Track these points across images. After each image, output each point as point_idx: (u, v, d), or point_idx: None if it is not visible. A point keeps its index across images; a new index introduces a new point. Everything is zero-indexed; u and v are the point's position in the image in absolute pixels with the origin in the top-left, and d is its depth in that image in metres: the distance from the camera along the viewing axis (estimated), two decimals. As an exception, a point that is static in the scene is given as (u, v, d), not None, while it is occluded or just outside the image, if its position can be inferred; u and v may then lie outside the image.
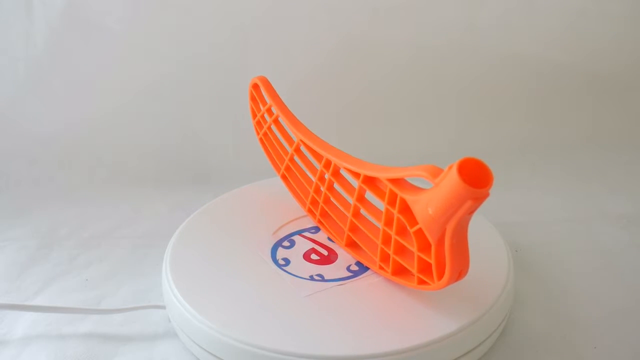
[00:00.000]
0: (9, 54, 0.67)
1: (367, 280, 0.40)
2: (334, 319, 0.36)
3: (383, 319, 0.37)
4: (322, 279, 0.40)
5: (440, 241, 0.33)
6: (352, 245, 0.43)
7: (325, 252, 0.43)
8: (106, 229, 0.54)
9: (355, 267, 0.41)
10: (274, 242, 0.45)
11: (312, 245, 0.44)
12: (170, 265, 0.41)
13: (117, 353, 0.39)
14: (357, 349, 0.34)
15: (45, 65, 0.68)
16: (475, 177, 0.29)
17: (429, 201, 0.32)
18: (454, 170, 0.29)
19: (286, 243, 0.45)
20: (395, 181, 0.35)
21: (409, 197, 0.34)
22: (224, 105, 0.69)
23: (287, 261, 0.42)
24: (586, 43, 0.72)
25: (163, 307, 0.41)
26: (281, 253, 0.43)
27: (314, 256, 0.43)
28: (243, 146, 0.67)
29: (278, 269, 0.41)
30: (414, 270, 0.36)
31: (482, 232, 0.45)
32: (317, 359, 0.34)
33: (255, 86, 0.47)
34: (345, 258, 0.43)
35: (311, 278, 0.40)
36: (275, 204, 0.49)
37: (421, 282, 0.36)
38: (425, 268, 0.36)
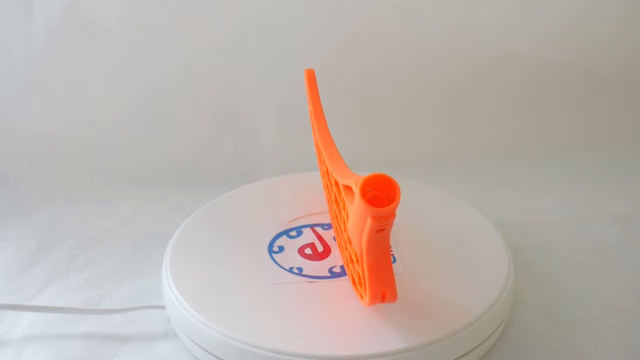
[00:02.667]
0: (9, 54, 0.67)
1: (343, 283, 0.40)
2: (333, 319, 0.36)
3: (381, 319, 0.36)
4: (299, 272, 0.40)
5: (362, 256, 0.32)
6: (340, 247, 0.43)
7: (320, 249, 0.43)
8: (106, 229, 0.54)
9: (337, 270, 0.41)
10: (282, 229, 0.45)
11: (314, 240, 0.44)
12: (170, 265, 0.41)
13: (117, 353, 0.39)
14: (359, 348, 0.34)
15: (45, 65, 0.68)
16: (383, 194, 0.28)
17: (351, 213, 0.32)
18: (357, 186, 0.28)
19: (293, 233, 0.45)
20: (346, 187, 0.35)
21: (349, 206, 0.34)
22: (224, 105, 0.69)
23: (281, 249, 0.43)
24: (586, 43, 0.72)
25: (163, 307, 0.41)
26: (282, 241, 0.44)
27: (308, 250, 0.43)
28: (243, 146, 0.67)
29: (267, 254, 0.42)
30: (357, 282, 0.36)
31: (482, 232, 0.45)
32: (317, 359, 0.34)
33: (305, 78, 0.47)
34: (335, 259, 0.42)
35: (290, 270, 0.41)
36: (302, 196, 0.49)
37: (361, 295, 0.36)
38: (360, 281, 0.35)
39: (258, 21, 0.69)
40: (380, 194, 0.28)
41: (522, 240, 0.50)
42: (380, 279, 0.32)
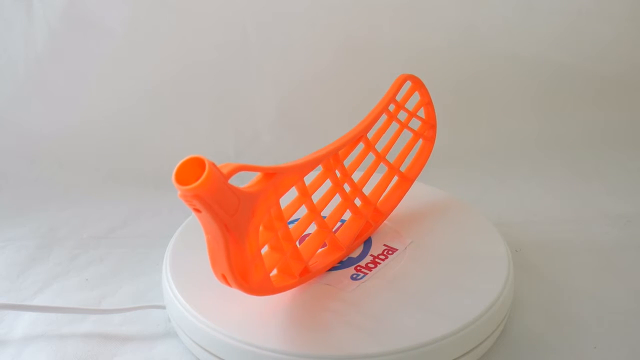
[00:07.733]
0: (9, 54, 0.67)
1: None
2: (334, 319, 0.36)
3: (381, 319, 0.37)
4: None
5: None
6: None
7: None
8: (106, 229, 0.54)
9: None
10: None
11: None
12: (170, 265, 0.41)
13: (117, 353, 0.39)
14: (359, 348, 0.34)
15: (45, 65, 0.68)
16: (198, 175, 0.28)
17: None
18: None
19: None
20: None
21: None
22: (224, 105, 0.69)
23: None
24: (586, 43, 0.72)
25: (163, 307, 0.41)
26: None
27: None
28: (243, 146, 0.67)
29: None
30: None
31: (482, 232, 0.45)
32: (317, 359, 0.34)
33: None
34: None
35: None
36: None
37: None
38: None
39: (258, 21, 0.69)
40: (181, 171, 0.28)
41: (522, 240, 0.50)
42: (215, 259, 0.32)
